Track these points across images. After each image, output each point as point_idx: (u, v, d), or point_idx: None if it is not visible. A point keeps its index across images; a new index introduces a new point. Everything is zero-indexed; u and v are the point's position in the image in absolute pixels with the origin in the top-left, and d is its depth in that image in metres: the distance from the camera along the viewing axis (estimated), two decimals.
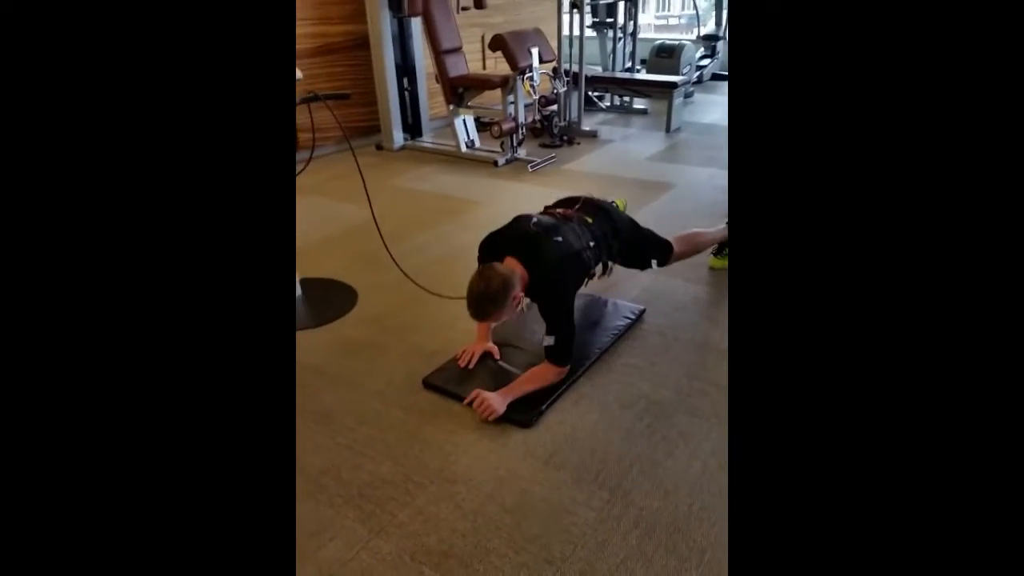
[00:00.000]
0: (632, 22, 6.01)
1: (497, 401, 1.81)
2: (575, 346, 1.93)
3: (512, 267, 1.86)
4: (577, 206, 2.19)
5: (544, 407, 1.84)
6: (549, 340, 1.89)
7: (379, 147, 4.78)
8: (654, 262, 2.33)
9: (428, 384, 1.98)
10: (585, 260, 1.99)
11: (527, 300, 2.06)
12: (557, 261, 1.90)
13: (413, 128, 4.92)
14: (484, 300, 1.79)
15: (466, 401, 1.85)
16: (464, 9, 4.74)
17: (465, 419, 1.84)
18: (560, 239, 1.95)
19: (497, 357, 2.08)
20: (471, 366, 2.02)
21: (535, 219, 2.02)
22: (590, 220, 2.12)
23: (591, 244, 2.03)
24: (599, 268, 2.12)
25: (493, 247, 1.99)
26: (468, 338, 2.12)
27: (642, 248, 2.31)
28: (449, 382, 1.97)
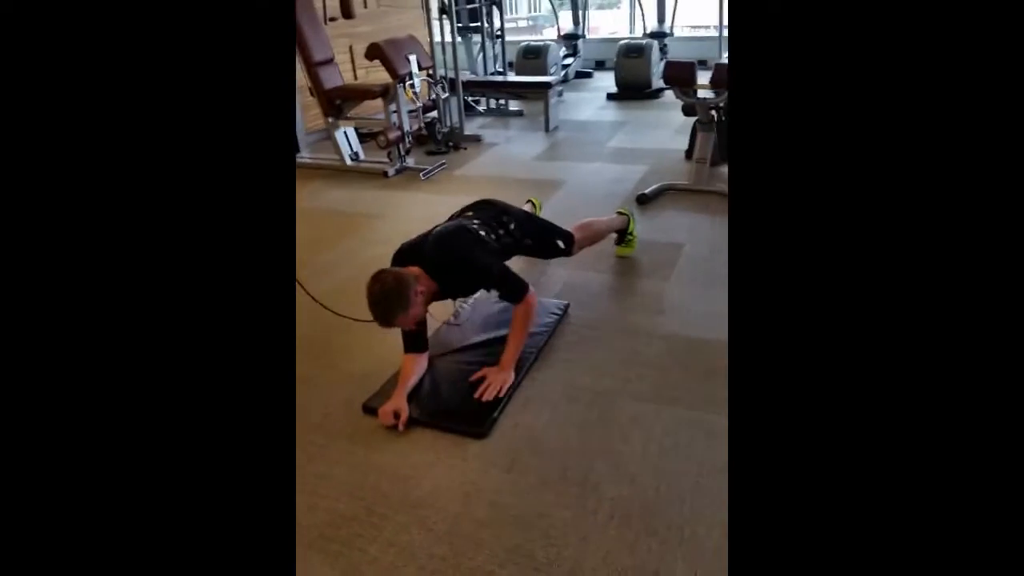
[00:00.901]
0: (500, 25, 6.11)
1: (506, 373, 1.91)
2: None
3: (408, 270, 1.89)
4: (455, 215, 2.32)
5: (495, 414, 1.82)
6: (495, 291, 2.03)
7: None
8: (559, 242, 2.40)
9: (369, 408, 1.88)
10: (471, 230, 2.07)
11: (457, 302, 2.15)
12: (442, 239, 2.01)
13: None
14: (385, 300, 1.77)
15: (479, 393, 1.87)
16: (332, 20, 4.58)
17: (418, 439, 1.77)
18: (441, 229, 2.08)
19: (404, 419, 1.81)
20: (401, 428, 1.79)
21: (413, 238, 2.10)
22: (471, 213, 2.25)
23: (476, 223, 2.13)
24: (493, 237, 2.14)
25: None
26: (397, 353, 2.02)
27: (542, 233, 2.39)
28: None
